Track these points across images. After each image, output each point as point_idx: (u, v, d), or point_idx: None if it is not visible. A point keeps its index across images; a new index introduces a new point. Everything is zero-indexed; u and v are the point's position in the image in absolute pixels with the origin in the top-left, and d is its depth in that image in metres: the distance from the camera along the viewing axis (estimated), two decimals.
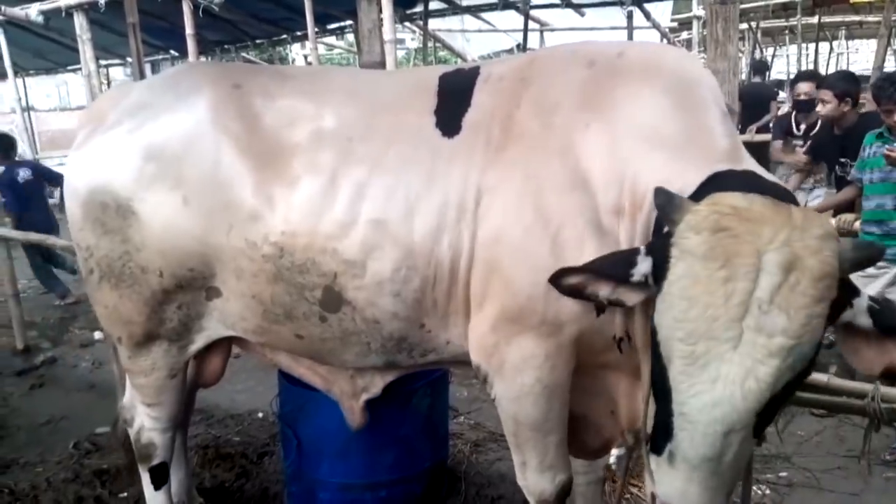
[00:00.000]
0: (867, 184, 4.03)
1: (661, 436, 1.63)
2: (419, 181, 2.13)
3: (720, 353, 1.47)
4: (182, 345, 2.56)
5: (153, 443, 2.79)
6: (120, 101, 2.52)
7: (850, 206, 4.49)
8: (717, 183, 1.73)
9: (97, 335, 6.06)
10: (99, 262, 2.46)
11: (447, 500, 3.37)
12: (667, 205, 1.65)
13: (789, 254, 1.45)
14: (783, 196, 1.65)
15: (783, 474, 3.58)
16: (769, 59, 18.62)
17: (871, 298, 1.60)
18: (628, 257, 1.75)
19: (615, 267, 1.76)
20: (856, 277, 4.23)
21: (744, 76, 12.95)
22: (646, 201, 1.90)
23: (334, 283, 2.18)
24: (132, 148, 2.35)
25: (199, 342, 2.56)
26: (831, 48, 20.30)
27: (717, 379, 1.48)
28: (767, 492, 3.42)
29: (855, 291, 1.59)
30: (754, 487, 3.33)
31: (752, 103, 9.07)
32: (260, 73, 2.59)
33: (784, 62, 20.61)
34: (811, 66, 17.68)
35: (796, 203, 1.68)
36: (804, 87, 6.03)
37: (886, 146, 3.83)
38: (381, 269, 2.13)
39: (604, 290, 1.77)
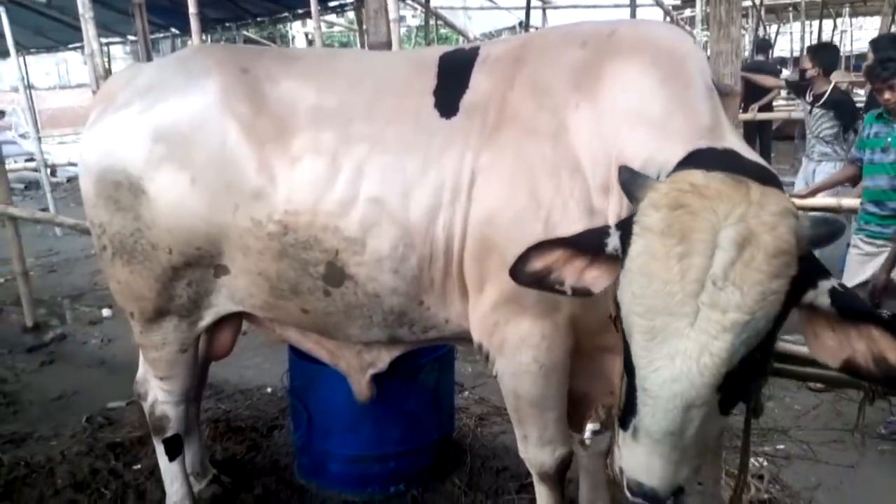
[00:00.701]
0: (867, 164, 4.07)
1: (627, 411, 1.65)
2: (416, 161, 2.17)
3: (678, 328, 1.49)
4: (192, 320, 2.63)
5: (167, 415, 2.86)
6: (131, 82, 2.56)
7: (855, 183, 4.55)
8: (694, 160, 1.73)
9: (106, 312, 6.14)
10: (112, 238, 2.52)
11: (453, 472, 3.45)
12: (630, 182, 1.68)
13: (745, 230, 1.46)
14: (761, 175, 1.66)
15: (780, 447, 3.66)
16: (773, 36, 18.51)
17: (840, 284, 1.58)
18: (601, 230, 1.77)
19: (588, 238, 1.78)
20: (855, 257, 4.28)
21: (747, 54, 12.89)
22: None
23: (336, 259, 2.24)
24: (143, 129, 2.40)
25: (208, 318, 2.63)
26: (835, 25, 20.15)
27: (676, 354, 1.49)
28: (765, 464, 3.49)
29: (822, 272, 1.58)
30: (752, 459, 3.42)
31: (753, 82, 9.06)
32: (267, 55, 2.63)
33: (788, 39, 20.48)
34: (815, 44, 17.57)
35: (777, 182, 1.70)
36: (807, 64, 6.24)
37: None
38: (379, 247, 2.19)
39: (570, 275, 1.78)
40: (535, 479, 2.47)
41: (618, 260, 1.68)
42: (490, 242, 2.08)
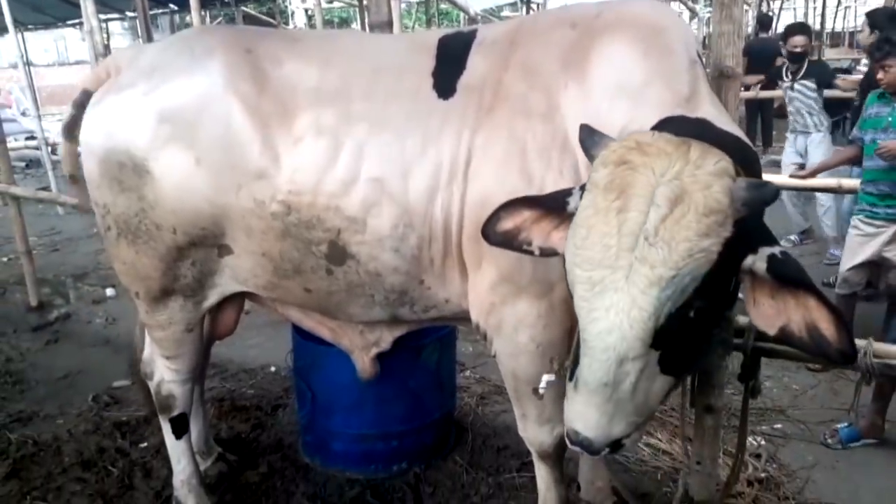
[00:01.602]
0: (868, 144, 4.07)
1: (574, 363, 1.69)
2: (415, 142, 2.19)
3: (614, 281, 1.52)
4: (197, 300, 2.65)
5: (173, 394, 2.90)
6: (134, 61, 2.55)
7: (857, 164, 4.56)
8: (663, 127, 1.75)
9: (109, 291, 6.17)
10: (116, 218, 2.53)
11: (455, 450, 3.50)
12: (587, 140, 1.71)
13: (678, 187, 1.49)
14: (733, 145, 1.68)
15: (778, 426, 3.71)
16: (776, 12, 18.34)
17: (782, 252, 1.59)
18: (564, 191, 1.82)
19: (551, 198, 1.83)
20: (855, 237, 4.28)
21: (750, 30, 12.79)
22: None
23: (338, 238, 2.27)
24: (147, 109, 2.40)
25: (212, 298, 2.65)
26: (839, 1, 19.96)
27: (611, 307, 1.52)
28: (763, 443, 3.54)
29: (766, 239, 1.60)
30: (750, 439, 3.47)
31: (757, 58, 9.03)
32: (270, 36, 2.63)
33: (791, 15, 20.29)
34: (818, 20, 17.44)
35: (748, 153, 1.71)
36: (800, 40, 6.36)
37: (879, 142, 3.88)
38: (380, 226, 2.21)
39: (538, 236, 1.82)
40: (534, 457, 2.52)
41: None
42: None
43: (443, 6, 15.86)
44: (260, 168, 2.29)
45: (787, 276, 1.57)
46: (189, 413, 3.00)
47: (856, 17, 22.87)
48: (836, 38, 22.10)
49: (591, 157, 1.68)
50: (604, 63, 2.04)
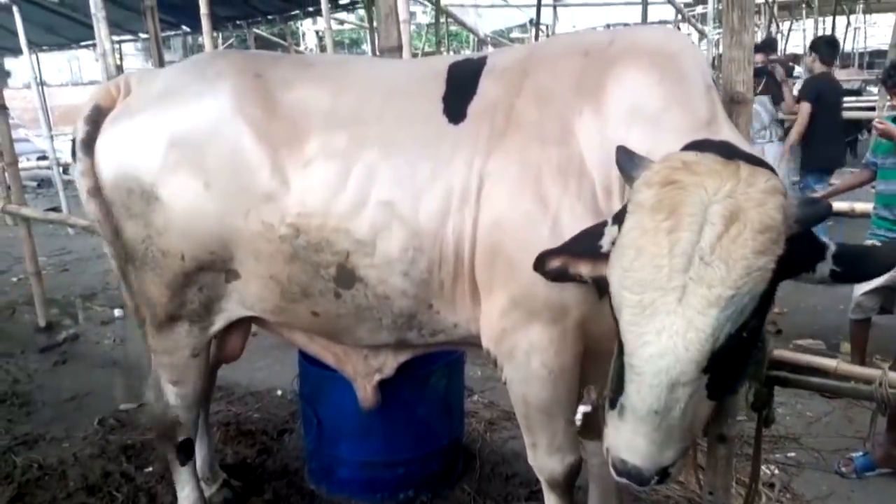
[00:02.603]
0: (881, 168, 4.04)
1: (615, 389, 1.66)
2: (426, 165, 2.19)
3: (666, 303, 1.50)
4: (203, 325, 2.64)
5: (178, 420, 2.87)
6: (146, 86, 2.57)
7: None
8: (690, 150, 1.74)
9: (118, 312, 6.18)
10: (124, 244, 2.54)
11: (462, 478, 3.45)
12: (626, 162, 1.71)
13: (733, 205, 1.48)
14: (756, 164, 1.67)
15: (791, 454, 3.64)
16: (785, 34, 18.38)
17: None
18: (595, 230, 1.80)
19: (584, 242, 1.82)
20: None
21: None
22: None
23: (347, 261, 2.26)
24: (157, 135, 2.41)
25: (219, 323, 2.64)
26: (848, 22, 20.00)
27: (663, 330, 1.50)
28: (776, 472, 3.48)
29: (821, 252, 1.62)
30: (763, 468, 3.40)
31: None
32: (281, 61, 2.64)
33: (801, 36, 20.33)
34: None
35: (773, 173, 1.69)
36: (758, 58, 6.75)
37: (876, 119, 3.86)
38: (389, 249, 2.21)
39: (584, 269, 1.82)
40: (544, 486, 2.48)
41: None
42: (498, 247, 2.10)
43: (452, 28, 15.99)
44: (269, 191, 2.29)
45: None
46: (195, 439, 2.98)
47: (865, 38, 22.90)
48: (846, 60, 22.13)
49: (630, 178, 1.67)
50: (619, 90, 2.04)
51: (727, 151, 1.67)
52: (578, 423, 2.13)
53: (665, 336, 1.50)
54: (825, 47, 7.12)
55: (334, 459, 3.28)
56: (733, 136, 1.95)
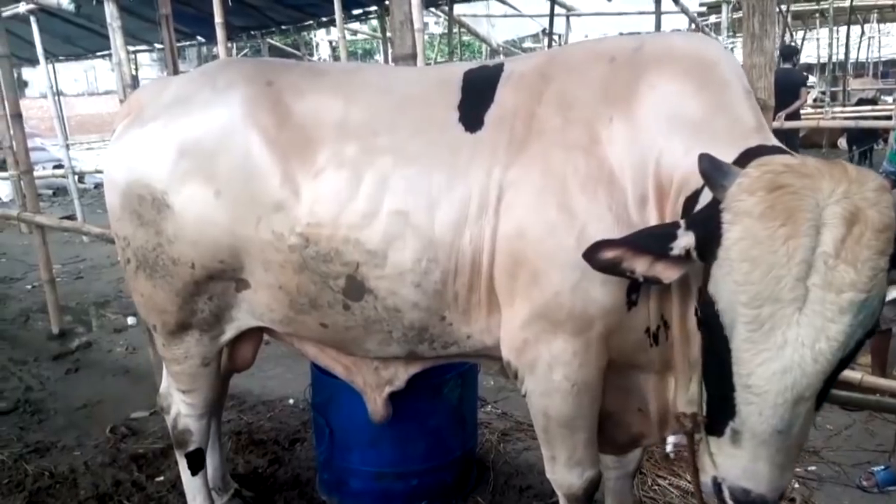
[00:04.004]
0: None
1: (719, 416, 1.60)
2: (441, 175, 2.15)
3: (786, 315, 1.44)
4: (214, 334, 2.62)
5: (189, 429, 2.85)
6: (158, 95, 2.56)
7: None
8: (752, 156, 1.69)
9: (131, 320, 6.18)
10: (135, 252, 2.53)
11: (476, 490, 3.41)
12: (713, 171, 1.62)
13: (851, 206, 1.43)
14: None
15: (812, 468, 3.57)
16: (799, 42, 18.30)
17: None
18: (668, 231, 1.73)
19: (653, 240, 1.74)
20: None
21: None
22: (672, 187, 1.91)
23: (357, 272, 2.22)
24: (168, 142, 2.40)
25: (230, 332, 2.62)
26: (862, 31, 19.90)
27: (785, 344, 1.44)
28: (796, 486, 3.40)
29: None
30: None
31: (781, 90, 8.95)
32: (294, 69, 2.62)
33: (814, 46, 20.24)
34: (842, 50, 17.36)
35: None
36: None
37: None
38: (401, 260, 2.17)
39: (640, 266, 1.74)
40: (561, 500, 2.42)
41: (688, 259, 1.66)
42: (520, 257, 2.05)
43: (465, 38, 16.02)
44: (279, 200, 2.27)
45: None
46: (206, 448, 2.95)
47: (879, 48, 22.77)
48: (859, 69, 22.00)
49: (720, 187, 1.58)
50: (654, 97, 2.00)
51: (785, 154, 1.63)
52: (672, 454, 2.07)
53: (789, 350, 1.45)
54: None
55: (346, 470, 3.24)
56: (779, 144, 1.91)
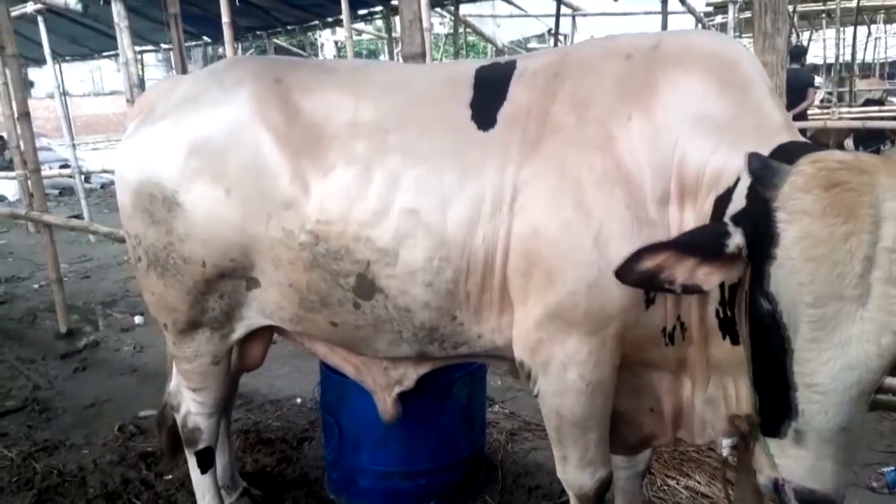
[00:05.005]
0: None
1: (778, 417, 1.59)
2: (453, 173, 2.14)
3: (848, 312, 1.45)
4: (224, 333, 2.62)
5: (199, 427, 2.86)
6: (168, 94, 2.57)
7: None
8: (786, 153, 1.68)
9: (138, 319, 6.19)
10: (146, 250, 2.53)
11: (484, 489, 3.40)
12: (764, 170, 1.60)
13: None
14: None
15: None
16: (805, 43, 18.24)
17: None
18: (718, 229, 1.71)
19: (705, 239, 1.71)
20: None
21: None
22: (701, 186, 1.90)
23: (367, 270, 2.21)
24: (178, 141, 2.40)
25: (240, 331, 2.62)
26: (869, 32, 19.81)
27: (849, 340, 1.45)
28: None
29: None
30: None
31: (789, 90, 8.93)
32: (303, 66, 2.62)
33: (821, 46, 20.17)
34: (848, 50, 17.30)
35: None
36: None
37: None
38: (413, 259, 2.16)
39: (682, 273, 1.71)
40: (572, 500, 2.41)
41: (738, 258, 1.65)
42: (535, 256, 2.04)
43: (471, 39, 16.02)
44: (289, 197, 2.26)
45: None
46: (215, 447, 2.95)
47: (886, 48, 22.68)
48: (866, 70, 21.90)
49: (772, 186, 1.57)
50: (675, 95, 1.98)
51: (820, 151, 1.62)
52: (730, 459, 2.06)
53: (854, 346, 1.45)
54: None
55: (355, 469, 3.24)
56: (805, 140, 1.91)
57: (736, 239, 1.66)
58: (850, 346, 1.45)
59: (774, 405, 1.62)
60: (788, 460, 1.60)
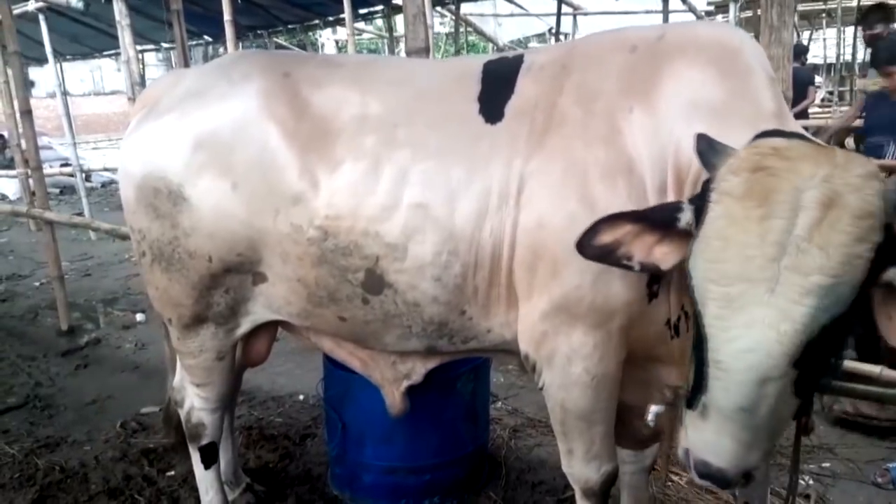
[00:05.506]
0: None
1: (695, 389, 1.61)
2: (461, 167, 2.14)
3: (756, 295, 1.45)
4: (229, 328, 2.61)
5: (203, 422, 2.85)
6: (173, 88, 2.56)
7: None
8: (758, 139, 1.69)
9: (139, 317, 6.19)
10: (151, 245, 2.51)
11: (488, 485, 3.39)
12: (707, 151, 1.65)
13: (829, 190, 1.42)
14: None
15: (826, 465, 3.54)
16: (806, 42, 18.23)
17: None
18: (671, 206, 1.75)
19: (658, 213, 1.75)
20: None
21: None
22: (690, 172, 1.90)
23: (376, 265, 2.21)
24: (184, 135, 2.39)
25: (245, 326, 2.61)
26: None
27: (753, 323, 1.45)
28: (811, 482, 3.38)
29: None
30: None
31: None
32: (310, 61, 2.61)
33: (821, 46, 20.15)
34: (849, 50, 17.30)
35: None
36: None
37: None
38: (422, 253, 2.15)
39: (639, 251, 1.74)
40: (577, 494, 2.41)
41: (689, 236, 1.65)
42: (540, 249, 2.03)
43: (471, 38, 16.00)
44: (298, 192, 2.26)
45: None
46: (219, 442, 2.94)
47: None
48: (865, 69, 21.92)
49: (712, 166, 1.61)
50: (676, 85, 1.98)
51: (802, 140, 1.62)
52: (651, 423, 2.08)
53: (756, 329, 1.45)
54: None
55: (359, 464, 3.23)
56: (800, 130, 1.90)
57: (687, 215, 1.68)
58: (753, 329, 1.45)
59: (695, 378, 1.63)
60: (694, 432, 1.61)
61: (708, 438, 1.56)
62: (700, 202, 1.62)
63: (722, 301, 1.49)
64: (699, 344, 1.60)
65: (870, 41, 5.53)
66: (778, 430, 1.62)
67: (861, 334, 2.24)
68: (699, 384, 1.59)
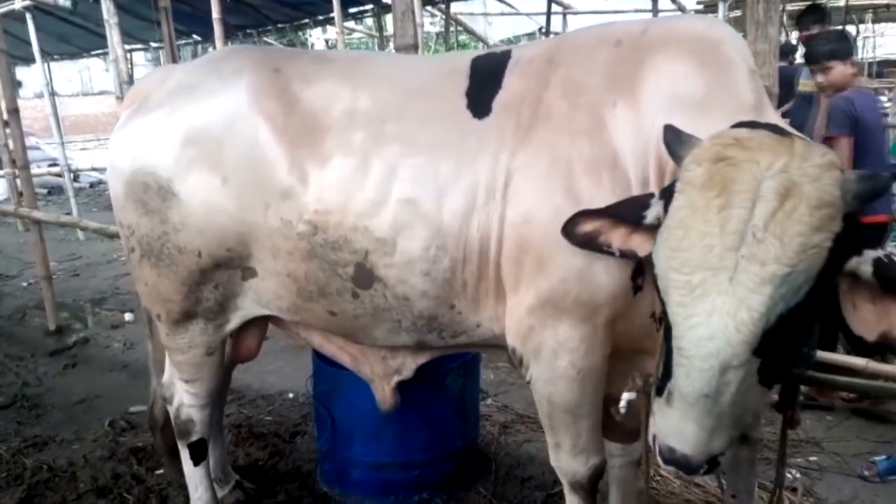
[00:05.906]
0: None
1: (663, 375, 1.63)
2: (449, 162, 2.15)
3: (716, 283, 1.46)
4: (219, 323, 2.61)
5: (192, 419, 2.84)
6: (162, 83, 2.55)
7: None
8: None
9: (128, 316, 6.17)
10: (140, 240, 2.51)
11: (478, 481, 3.40)
12: (673, 141, 1.68)
13: (787, 180, 1.44)
14: None
15: (813, 459, 3.58)
16: (794, 42, 18.35)
17: (886, 255, 1.52)
18: (642, 200, 1.78)
19: (627, 208, 1.80)
20: None
21: None
22: (670, 166, 1.90)
23: (366, 260, 2.22)
24: (173, 130, 2.39)
25: (234, 321, 2.61)
26: (857, 31, 19.93)
27: (713, 311, 1.46)
28: (798, 476, 3.41)
29: (868, 241, 1.54)
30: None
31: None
32: (301, 57, 2.62)
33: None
34: None
35: None
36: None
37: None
38: (410, 248, 2.16)
39: (616, 239, 1.80)
40: (566, 488, 2.42)
41: (658, 227, 1.67)
42: (526, 243, 2.04)
43: (462, 37, 16.01)
44: (287, 187, 2.26)
45: (895, 281, 1.51)
46: (208, 439, 2.94)
47: (874, 47, 22.84)
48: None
49: (678, 157, 1.64)
50: (657, 79, 2.00)
51: (777, 131, 1.62)
52: (623, 410, 2.09)
53: (716, 317, 1.46)
54: None
55: (348, 460, 3.24)
56: (780, 121, 1.92)
57: (655, 210, 1.71)
58: (713, 317, 1.47)
59: (663, 365, 1.65)
60: (661, 418, 1.62)
61: (673, 424, 1.58)
62: (668, 194, 1.64)
63: (684, 289, 1.51)
64: (665, 332, 1.63)
65: (806, 42, 5.59)
66: (744, 418, 1.62)
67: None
68: (666, 371, 1.61)
